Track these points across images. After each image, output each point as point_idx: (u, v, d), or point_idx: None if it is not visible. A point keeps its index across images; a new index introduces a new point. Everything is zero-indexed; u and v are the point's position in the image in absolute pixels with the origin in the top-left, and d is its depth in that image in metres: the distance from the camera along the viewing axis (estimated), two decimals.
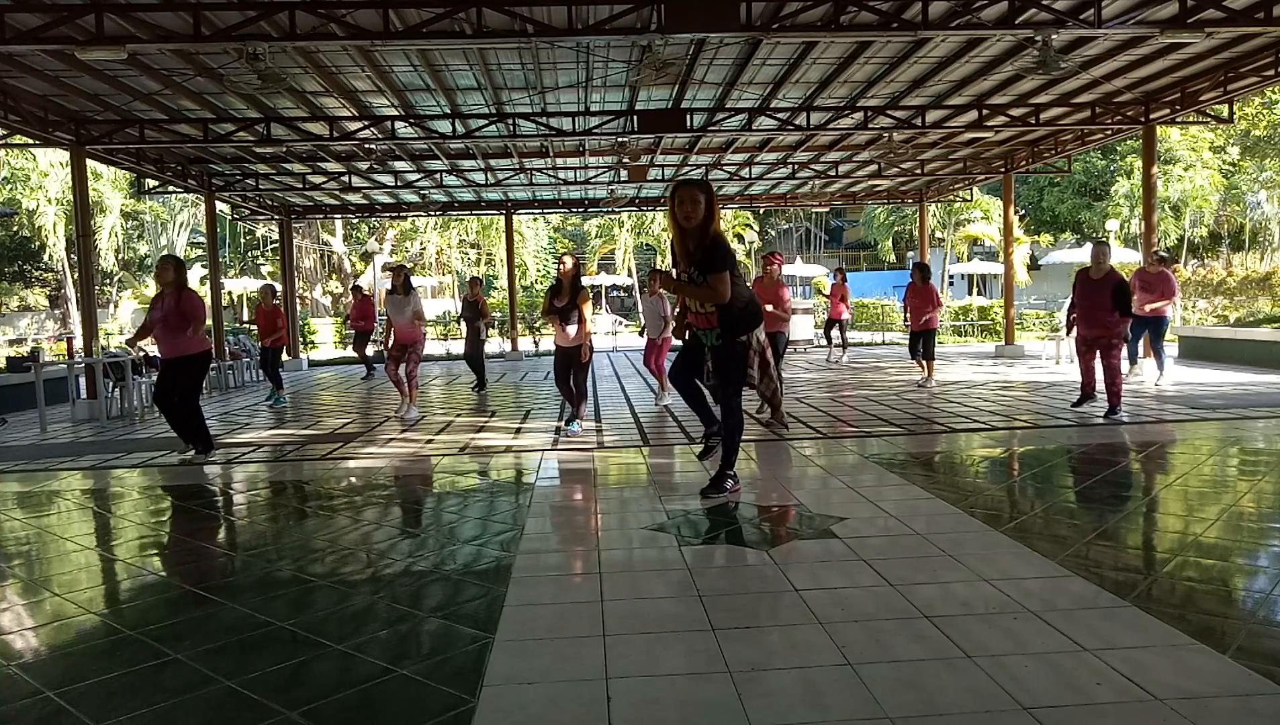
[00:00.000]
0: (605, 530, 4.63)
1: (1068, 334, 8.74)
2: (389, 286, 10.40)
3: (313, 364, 21.00)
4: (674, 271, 5.24)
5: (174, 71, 10.45)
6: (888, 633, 3.03)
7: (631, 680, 2.71)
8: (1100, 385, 8.25)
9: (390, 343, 10.03)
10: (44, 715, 2.65)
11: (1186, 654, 2.79)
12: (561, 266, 8.25)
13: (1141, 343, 11.26)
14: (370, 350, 16.34)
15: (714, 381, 5.15)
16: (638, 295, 33.82)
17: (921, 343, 11.30)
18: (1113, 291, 7.95)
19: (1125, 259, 21.98)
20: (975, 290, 37.07)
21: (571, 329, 8.07)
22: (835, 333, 17.11)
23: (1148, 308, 10.60)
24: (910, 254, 37.41)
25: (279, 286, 14.76)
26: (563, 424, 8.38)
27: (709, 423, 5.34)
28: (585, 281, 8.63)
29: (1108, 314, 7.99)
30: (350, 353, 17.30)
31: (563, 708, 2.56)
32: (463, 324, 13.81)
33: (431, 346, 24.94)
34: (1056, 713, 2.42)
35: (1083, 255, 28.09)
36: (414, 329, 9.87)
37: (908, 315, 11.59)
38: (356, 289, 18.04)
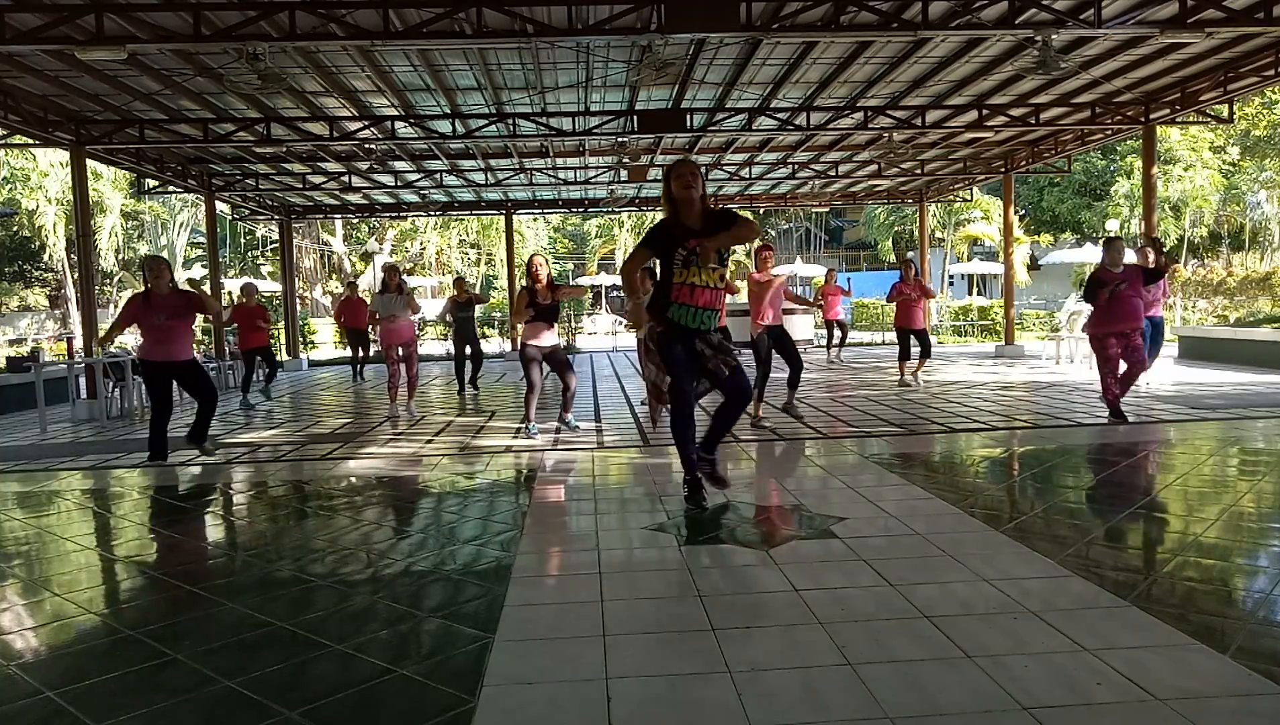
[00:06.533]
0: (605, 530, 4.62)
1: (1097, 347, 7.83)
2: (380, 286, 10.23)
3: (313, 364, 21.00)
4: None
5: (174, 71, 10.46)
6: (888, 633, 3.03)
7: (631, 680, 2.71)
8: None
9: (383, 344, 10.09)
10: (44, 715, 2.64)
11: (1186, 654, 2.79)
12: (539, 268, 7.85)
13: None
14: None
15: (710, 382, 4.97)
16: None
17: (911, 340, 11.32)
18: (1143, 272, 8.00)
19: (1126, 258, 21.96)
20: (975, 290, 37.04)
21: (554, 331, 8.01)
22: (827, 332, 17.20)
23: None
24: (910, 254, 37.39)
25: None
26: (560, 424, 8.37)
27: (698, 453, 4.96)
28: (585, 281, 8.54)
29: (1146, 292, 7.99)
30: (348, 352, 17.17)
31: (563, 708, 2.56)
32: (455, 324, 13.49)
33: (433, 346, 24.96)
34: (1056, 713, 2.42)
35: (1083, 255, 28.09)
36: (412, 326, 9.96)
37: (895, 312, 11.59)
38: (352, 285, 18.03)
